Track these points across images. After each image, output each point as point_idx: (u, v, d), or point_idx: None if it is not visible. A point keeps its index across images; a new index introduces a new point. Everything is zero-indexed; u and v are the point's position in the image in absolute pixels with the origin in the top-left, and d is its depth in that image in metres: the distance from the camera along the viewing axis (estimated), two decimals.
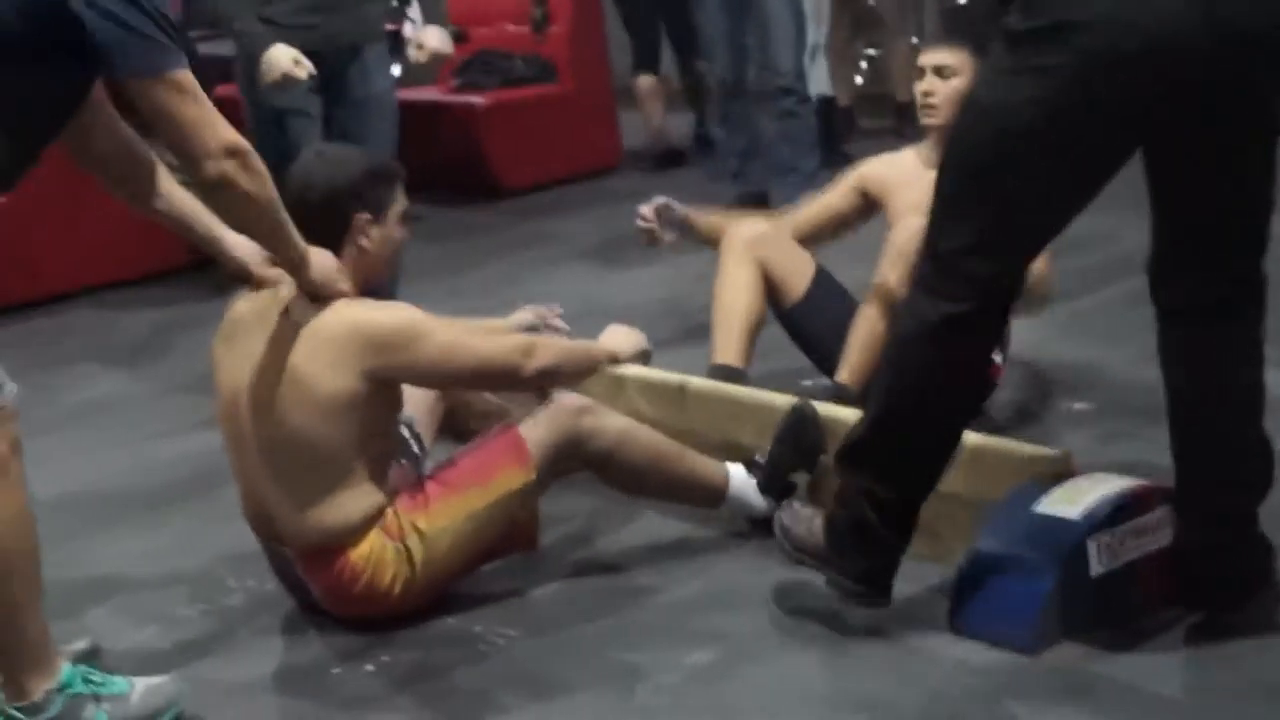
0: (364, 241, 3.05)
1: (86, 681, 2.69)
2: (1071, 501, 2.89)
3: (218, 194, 2.73)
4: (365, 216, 3.05)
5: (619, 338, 3.40)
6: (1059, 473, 3.02)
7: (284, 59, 4.33)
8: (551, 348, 3.14)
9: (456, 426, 3.45)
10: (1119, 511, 2.86)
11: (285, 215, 2.85)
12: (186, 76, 2.63)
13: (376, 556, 3.00)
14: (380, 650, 3.01)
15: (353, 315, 2.97)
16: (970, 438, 3.22)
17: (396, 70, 5.07)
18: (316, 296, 2.96)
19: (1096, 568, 2.84)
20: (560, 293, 3.50)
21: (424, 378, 3.09)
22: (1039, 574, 2.85)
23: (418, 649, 3.02)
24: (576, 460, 3.20)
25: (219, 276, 4.13)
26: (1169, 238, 2.74)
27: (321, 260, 2.96)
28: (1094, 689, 2.72)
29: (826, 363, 3.96)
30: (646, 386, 3.67)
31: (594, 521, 3.49)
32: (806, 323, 4.03)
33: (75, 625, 2.95)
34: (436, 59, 4.78)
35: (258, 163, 2.72)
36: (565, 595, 3.20)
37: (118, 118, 2.88)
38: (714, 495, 3.34)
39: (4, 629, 2.60)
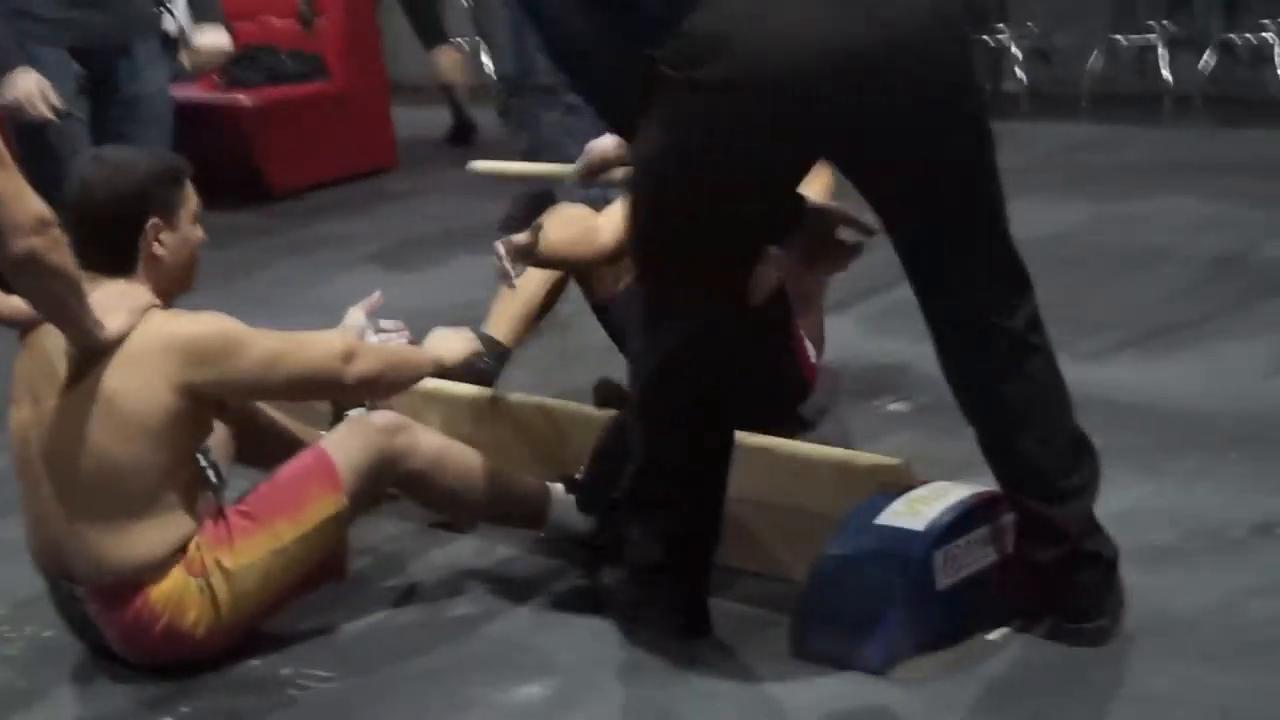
0: (158, 249, 2.84)
1: None
2: (914, 513, 2.82)
3: (21, 270, 2.52)
4: (156, 221, 2.83)
5: (445, 341, 3.19)
6: (898, 483, 2.94)
7: (27, 87, 4.01)
8: (373, 353, 3.00)
9: (251, 451, 3.20)
10: (963, 522, 2.80)
11: (83, 288, 2.65)
12: None
13: (178, 595, 2.78)
14: (179, 700, 2.78)
15: (166, 327, 2.78)
16: (804, 449, 3.17)
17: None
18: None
19: (943, 580, 2.77)
20: (353, 297, 3.31)
21: (243, 390, 2.90)
22: (883, 590, 2.77)
23: (221, 695, 2.80)
24: (390, 482, 3.03)
25: None
26: (908, 264, 2.74)
27: (118, 320, 2.74)
28: (947, 705, 2.64)
29: None
30: (456, 400, 3.49)
31: (407, 547, 3.31)
32: (622, 319, 3.87)
33: None
34: (214, 58, 4.55)
35: (61, 233, 2.54)
36: (380, 630, 3.02)
37: None
38: (536, 516, 3.19)
39: None
